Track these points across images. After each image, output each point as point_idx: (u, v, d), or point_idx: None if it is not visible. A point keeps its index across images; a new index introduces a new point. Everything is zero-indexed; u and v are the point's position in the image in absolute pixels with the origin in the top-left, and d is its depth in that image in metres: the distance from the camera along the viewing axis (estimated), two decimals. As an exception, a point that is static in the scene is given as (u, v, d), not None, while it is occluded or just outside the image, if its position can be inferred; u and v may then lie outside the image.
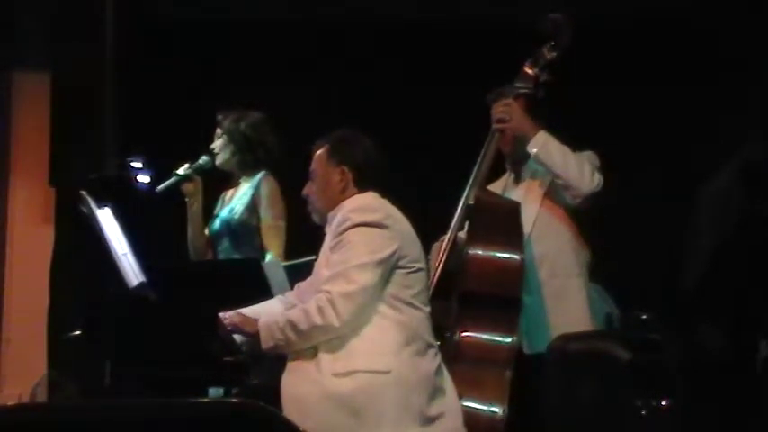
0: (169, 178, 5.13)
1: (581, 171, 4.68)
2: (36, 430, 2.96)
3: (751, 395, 3.75)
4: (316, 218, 4.21)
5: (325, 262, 4.06)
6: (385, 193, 4.16)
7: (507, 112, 4.76)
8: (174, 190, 5.15)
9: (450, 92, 6.02)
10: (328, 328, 3.91)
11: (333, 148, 4.19)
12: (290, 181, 5.18)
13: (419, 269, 4.06)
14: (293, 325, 3.94)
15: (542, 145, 4.70)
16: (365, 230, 3.99)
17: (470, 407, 4.22)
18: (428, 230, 4.42)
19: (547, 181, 4.80)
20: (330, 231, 4.08)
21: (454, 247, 4.66)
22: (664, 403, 4.14)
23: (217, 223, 5.22)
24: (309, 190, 4.22)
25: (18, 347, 6.41)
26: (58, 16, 6.25)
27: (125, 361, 4.07)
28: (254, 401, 3.15)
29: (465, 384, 4.18)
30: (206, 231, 5.26)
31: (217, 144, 5.26)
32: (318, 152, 4.22)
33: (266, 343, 3.98)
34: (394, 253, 3.98)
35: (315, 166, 4.22)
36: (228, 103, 5.34)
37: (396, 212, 4.10)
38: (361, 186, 4.14)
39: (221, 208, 5.28)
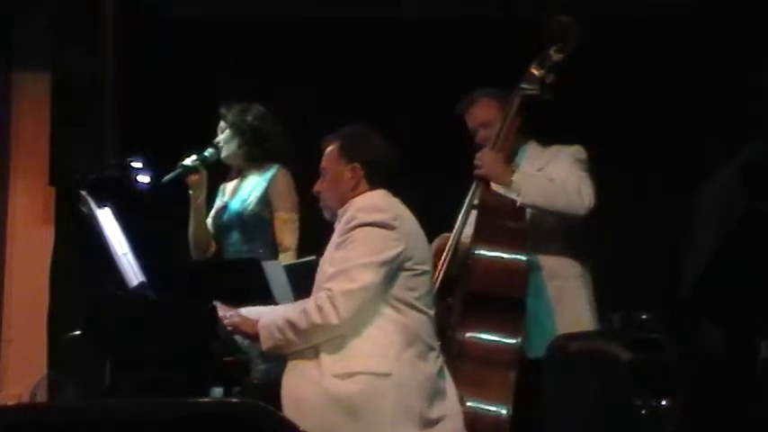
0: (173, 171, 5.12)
1: (567, 197, 4.64)
2: (36, 430, 2.96)
3: (751, 395, 3.75)
4: (327, 214, 4.17)
5: (330, 259, 4.04)
6: (396, 190, 4.12)
7: (480, 159, 4.74)
8: (179, 181, 5.13)
9: (450, 92, 6.01)
10: (327, 326, 3.90)
11: (344, 144, 4.15)
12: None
13: (424, 272, 4.03)
14: (292, 325, 3.93)
15: (523, 190, 4.65)
16: (371, 230, 3.96)
17: (475, 407, 4.22)
18: (432, 231, 4.41)
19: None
20: (338, 229, 4.06)
21: (458, 249, 4.65)
22: (664, 403, 4.13)
23: (226, 215, 5.19)
24: (321, 187, 4.18)
25: (18, 347, 6.41)
26: (58, 16, 6.24)
27: (125, 361, 4.07)
28: (254, 401, 3.15)
29: (470, 385, 4.18)
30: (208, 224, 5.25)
31: (221, 137, 5.23)
32: (329, 149, 4.18)
33: (266, 343, 3.96)
34: (399, 255, 3.95)
35: (326, 163, 4.18)
36: (228, 103, 5.33)
37: (405, 213, 4.07)
38: (373, 183, 4.11)
39: (223, 200, 5.26)
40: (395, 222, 3.99)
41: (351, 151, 4.13)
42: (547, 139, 4.87)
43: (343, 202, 4.10)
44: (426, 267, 4.05)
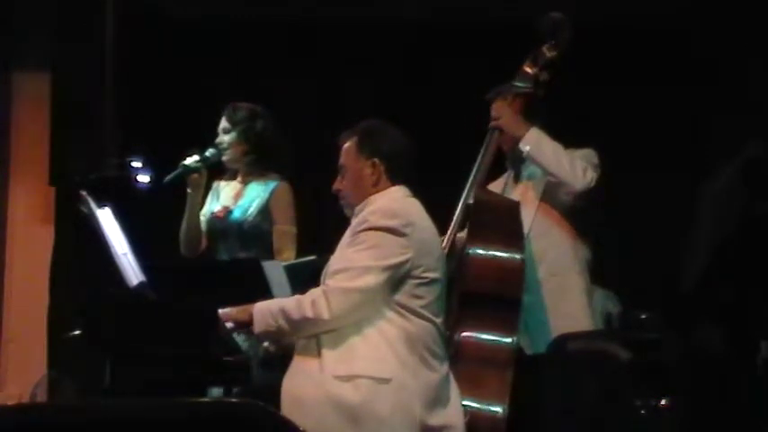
0: (175, 170, 5.11)
1: (573, 168, 4.67)
2: (36, 430, 2.96)
3: (751, 395, 3.75)
4: (348, 212, 4.11)
5: (337, 257, 4.01)
6: (415, 185, 4.09)
7: (498, 109, 4.77)
8: (180, 181, 5.12)
9: (451, 92, 6.02)
10: (318, 321, 3.87)
11: (362, 140, 4.09)
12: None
13: (433, 280, 3.97)
14: (285, 313, 3.91)
15: (534, 142, 4.70)
16: (380, 235, 3.92)
17: (471, 406, 4.21)
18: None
19: (545, 179, 4.80)
20: (350, 228, 4.03)
21: (453, 248, 4.65)
22: (664, 403, 4.14)
23: (226, 221, 5.17)
24: (340, 185, 4.12)
25: (18, 347, 6.41)
26: (58, 16, 6.25)
27: (125, 361, 4.07)
28: (254, 401, 3.15)
29: (466, 384, 4.17)
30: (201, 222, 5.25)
31: (225, 139, 5.19)
32: (346, 145, 4.11)
33: (258, 327, 3.94)
34: (405, 262, 3.91)
35: (344, 160, 4.11)
36: (228, 103, 5.32)
37: (418, 218, 4.02)
38: (394, 178, 4.07)
39: (219, 202, 5.23)
40: (406, 229, 3.94)
41: (369, 146, 4.07)
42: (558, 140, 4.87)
43: (365, 198, 4.05)
44: (436, 275, 3.99)
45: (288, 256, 5.06)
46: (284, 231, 5.12)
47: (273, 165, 5.19)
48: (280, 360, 4.07)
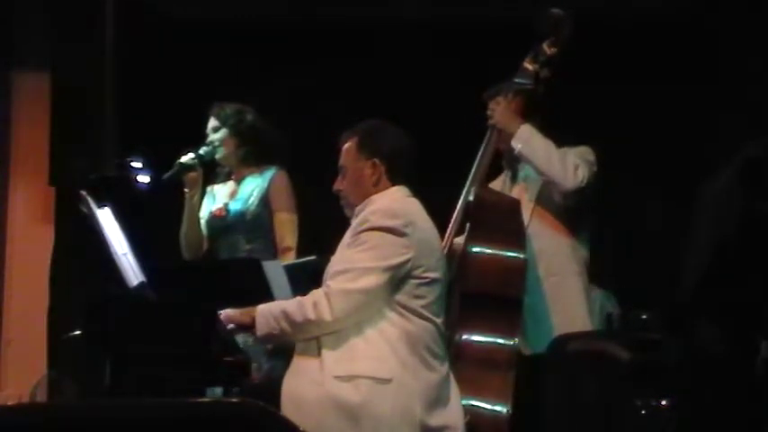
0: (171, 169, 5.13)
1: (564, 167, 4.66)
2: (36, 430, 2.96)
3: (751, 395, 3.75)
4: (348, 213, 4.12)
5: (339, 258, 4.02)
6: (416, 185, 4.09)
7: (492, 106, 4.78)
8: (177, 180, 5.14)
9: (449, 91, 6.02)
10: (320, 322, 3.87)
11: (362, 140, 4.09)
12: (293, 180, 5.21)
13: (434, 280, 3.97)
14: (287, 316, 3.91)
15: (525, 140, 4.70)
16: (381, 235, 3.92)
17: (474, 406, 4.21)
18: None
19: (540, 180, 4.79)
20: (351, 228, 4.03)
21: (452, 250, 4.63)
22: (664, 403, 4.14)
23: (227, 217, 5.18)
24: (340, 185, 4.12)
25: (18, 347, 6.41)
26: (58, 16, 6.25)
27: (125, 361, 4.07)
28: (254, 401, 3.15)
29: (468, 385, 4.16)
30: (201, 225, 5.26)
31: (215, 137, 5.21)
32: (347, 145, 4.11)
33: (261, 330, 3.94)
34: (406, 262, 3.91)
35: (344, 161, 4.11)
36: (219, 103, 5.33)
37: (419, 218, 4.02)
38: (394, 178, 4.07)
39: (216, 203, 5.24)
40: (406, 229, 3.93)
41: (370, 147, 4.07)
42: (553, 139, 4.87)
43: (365, 198, 4.05)
44: (436, 275, 3.98)
45: (289, 243, 5.08)
46: (285, 219, 5.14)
47: (267, 156, 5.20)
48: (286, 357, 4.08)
